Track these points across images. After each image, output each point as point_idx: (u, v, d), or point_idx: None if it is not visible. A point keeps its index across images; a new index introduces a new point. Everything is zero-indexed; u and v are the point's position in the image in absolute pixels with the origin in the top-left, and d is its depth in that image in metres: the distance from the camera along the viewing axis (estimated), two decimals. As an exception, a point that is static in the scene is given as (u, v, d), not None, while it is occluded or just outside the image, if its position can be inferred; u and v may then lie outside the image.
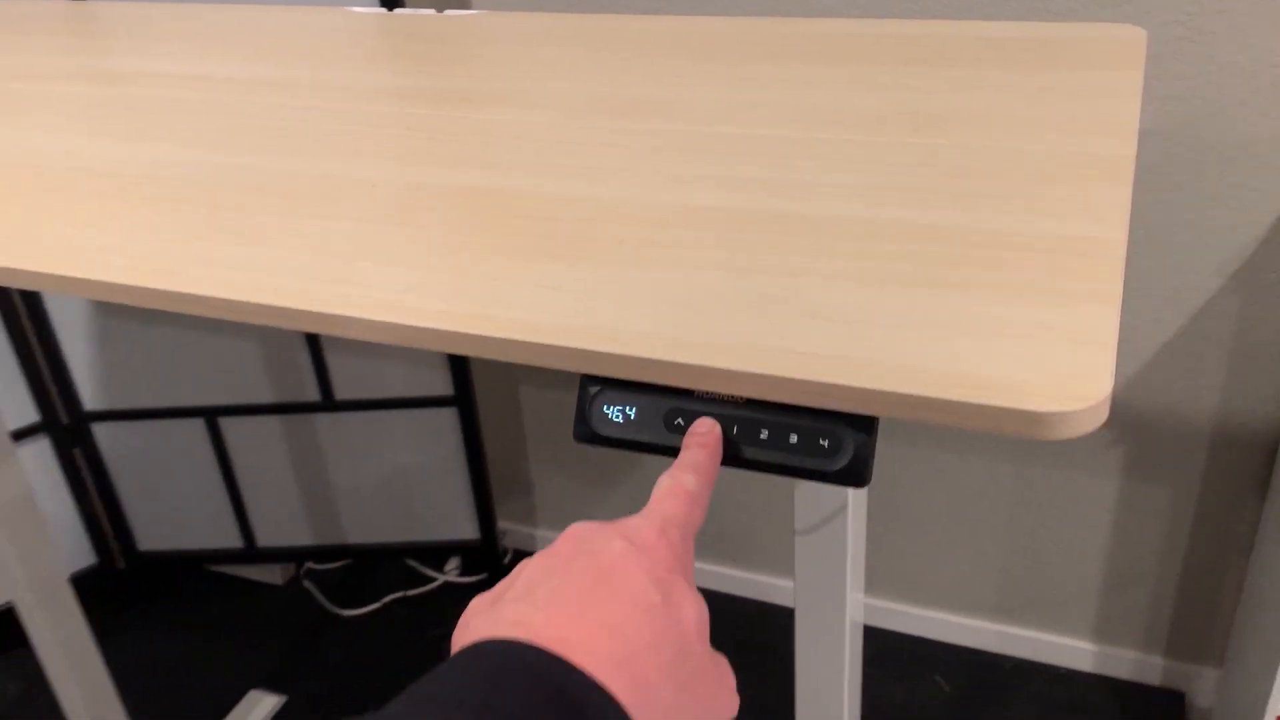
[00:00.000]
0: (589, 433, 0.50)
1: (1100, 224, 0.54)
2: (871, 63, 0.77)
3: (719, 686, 0.44)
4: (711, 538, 1.88)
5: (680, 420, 0.48)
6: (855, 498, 0.66)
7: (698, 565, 1.89)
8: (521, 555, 2.03)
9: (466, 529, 1.90)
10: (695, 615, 0.43)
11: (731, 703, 0.45)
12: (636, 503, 1.28)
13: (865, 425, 0.46)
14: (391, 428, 1.81)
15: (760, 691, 1.69)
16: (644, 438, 0.49)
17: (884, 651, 1.77)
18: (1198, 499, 1.51)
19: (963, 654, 1.77)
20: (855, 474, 0.46)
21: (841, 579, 0.66)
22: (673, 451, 0.49)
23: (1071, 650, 1.71)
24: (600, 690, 0.37)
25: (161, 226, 0.62)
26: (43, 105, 0.85)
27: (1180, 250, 1.35)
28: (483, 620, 0.40)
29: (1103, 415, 0.43)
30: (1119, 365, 1.45)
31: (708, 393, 0.48)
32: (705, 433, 0.48)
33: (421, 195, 0.63)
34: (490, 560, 1.95)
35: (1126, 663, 1.68)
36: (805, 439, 0.46)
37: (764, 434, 0.47)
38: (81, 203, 0.67)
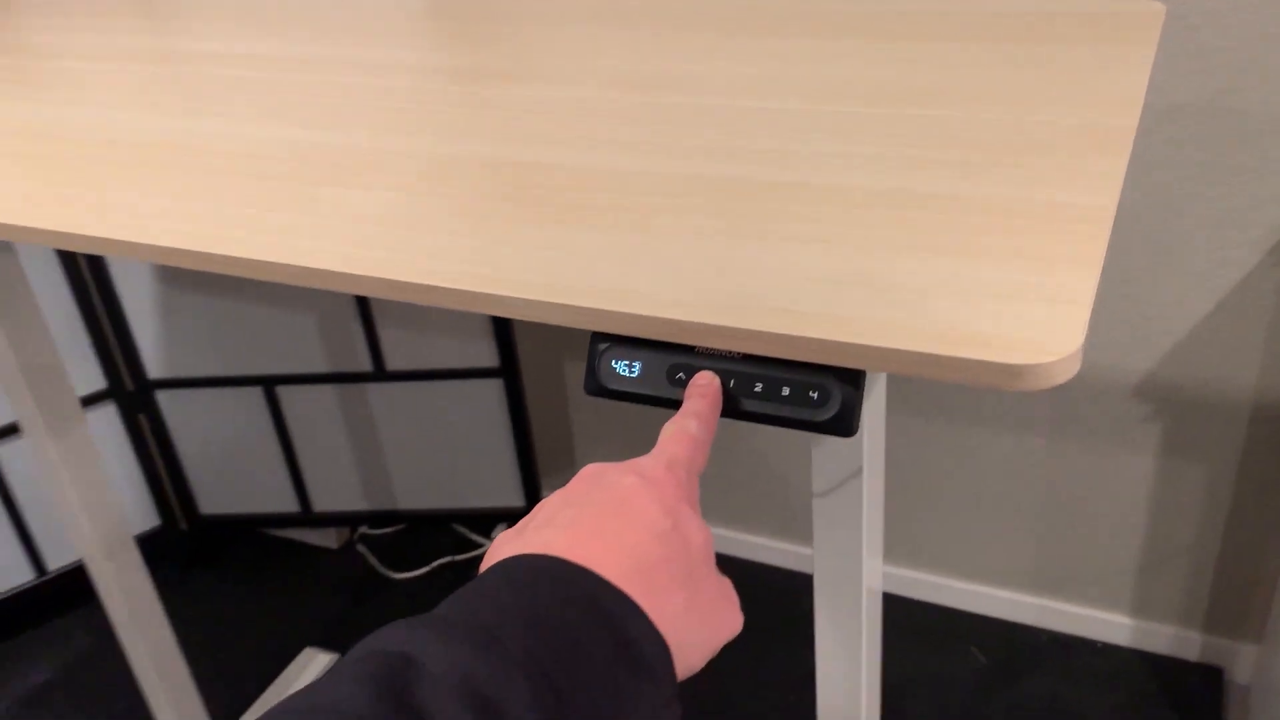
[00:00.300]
0: (598, 386, 0.53)
1: (1091, 192, 0.56)
2: (886, 38, 0.79)
3: (725, 602, 0.48)
4: (744, 507, 1.91)
5: (682, 375, 0.52)
6: (870, 461, 0.69)
7: (739, 535, 1.93)
8: (567, 523, 2.07)
9: (512, 496, 1.95)
10: (701, 539, 0.47)
11: (736, 618, 0.48)
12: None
13: (852, 379, 0.49)
14: (440, 397, 1.86)
15: (787, 659, 1.73)
16: (649, 391, 0.52)
17: (919, 624, 1.79)
18: (1237, 474, 1.51)
19: (999, 627, 1.78)
20: (843, 423, 0.49)
21: (858, 540, 0.69)
22: (675, 404, 0.52)
23: (1109, 624, 1.72)
24: (621, 594, 0.41)
25: (212, 195, 0.67)
26: (108, 83, 0.91)
27: (1218, 224, 1.35)
28: (510, 546, 0.45)
29: (1073, 369, 0.46)
30: (1155, 340, 1.46)
31: (707, 349, 0.51)
32: (705, 384, 0.51)
33: (452, 167, 0.67)
34: (536, 527, 2.00)
35: (1165, 637, 1.68)
36: (796, 391, 0.50)
37: (758, 387, 0.51)
38: (141, 173, 0.72)
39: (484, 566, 0.45)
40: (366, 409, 1.90)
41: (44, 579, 1.91)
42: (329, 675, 0.38)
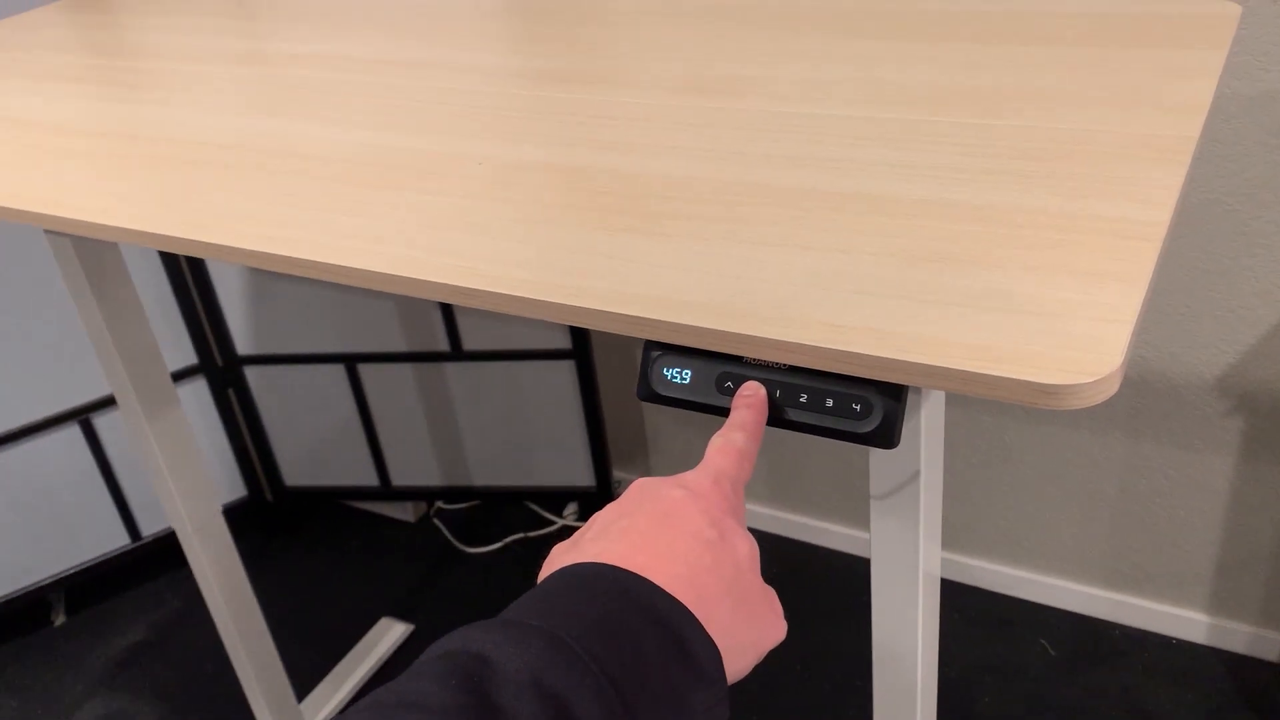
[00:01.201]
0: (649, 392, 0.55)
1: (1146, 206, 0.57)
2: (953, 39, 0.79)
3: (769, 611, 0.50)
4: (807, 491, 1.92)
5: (730, 383, 0.54)
6: (929, 463, 0.69)
7: (807, 520, 1.94)
8: (638, 503, 2.10)
9: (584, 476, 1.98)
10: (747, 549, 0.49)
11: (780, 626, 0.51)
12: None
13: (894, 392, 0.51)
14: (515, 378, 1.90)
15: (850, 642, 1.74)
16: (698, 398, 0.54)
17: (990, 614, 1.78)
18: (1320, 473, 1.48)
19: (1071, 619, 1.76)
20: (884, 436, 0.51)
21: (914, 541, 0.69)
22: (723, 411, 0.54)
23: (1185, 620, 1.69)
24: (675, 600, 0.44)
25: (293, 198, 0.70)
26: (198, 84, 0.95)
27: (1304, 219, 1.32)
28: (566, 557, 0.48)
29: (1110, 389, 0.47)
30: (1239, 334, 1.43)
31: (755, 359, 0.53)
32: (752, 395, 0.53)
33: (518, 172, 0.69)
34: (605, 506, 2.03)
35: (1243, 636, 1.66)
36: (840, 403, 0.51)
37: (803, 398, 0.52)
38: (226, 176, 0.76)
39: (542, 575, 0.47)
40: (444, 387, 1.95)
41: (138, 544, 2.00)
42: (410, 673, 0.41)
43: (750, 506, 1.94)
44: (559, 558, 0.48)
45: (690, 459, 2.01)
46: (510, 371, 1.90)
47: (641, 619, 0.43)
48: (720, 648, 0.44)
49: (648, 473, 2.09)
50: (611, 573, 0.45)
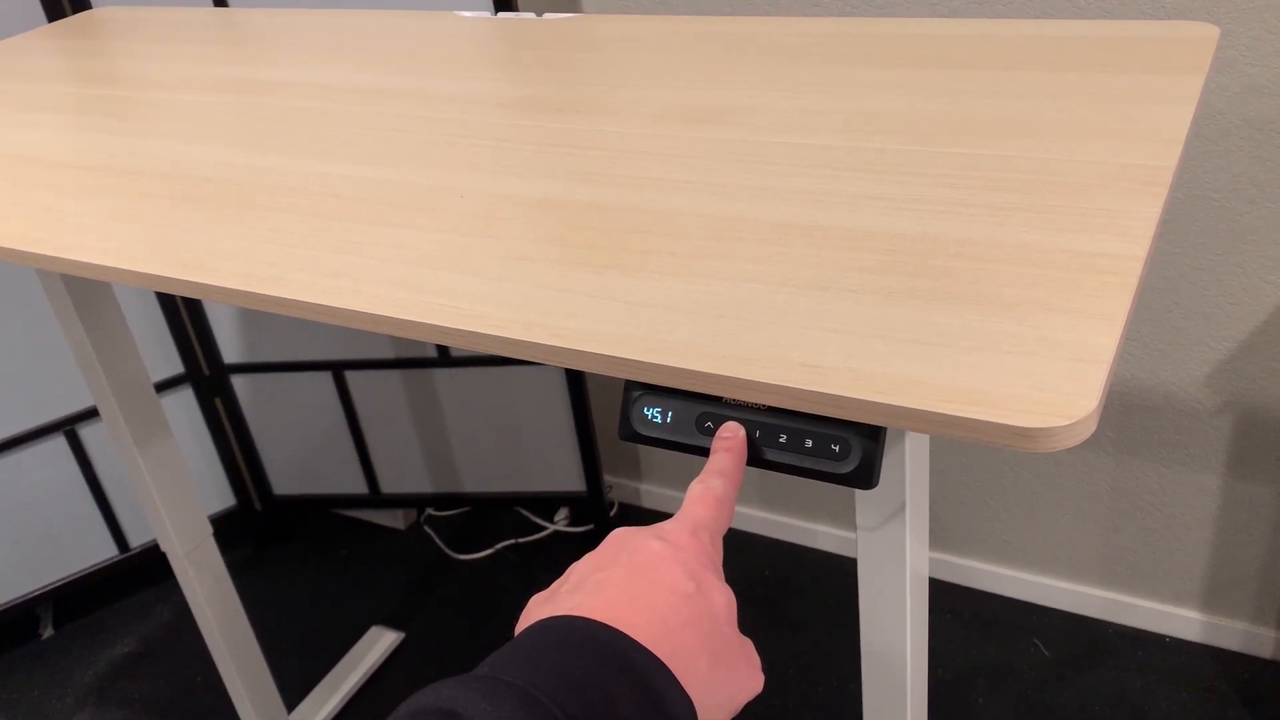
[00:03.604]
0: (630, 431, 0.56)
1: (1124, 240, 0.57)
2: (934, 66, 0.80)
3: (746, 664, 0.50)
4: (796, 493, 1.93)
5: (710, 423, 0.54)
6: (914, 499, 0.69)
7: (797, 522, 1.95)
8: (627, 508, 2.11)
9: (574, 482, 1.98)
10: (725, 602, 0.49)
11: (757, 679, 0.51)
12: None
13: (873, 433, 0.51)
14: (504, 383, 1.90)
15: (834, 643, 1.74)
16: (678, 438, 0.55)
17: (983, 614, 1.79)
18: (1307, 474, 1.49)
19: (1064, 618, 1.77)
20: (863, 477, 0.51)
21: (902, 571, 0.69)
22: (703, 451, 0.54)
23: (1179, 619, 1.70)
24: (650, 654, 0.44)
25: (279, 235, 0.70)
26: (185, 114, 0.95)
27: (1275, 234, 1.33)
28: (543, 609, 0.48)
29: (1088, 431, 0.47)
30: (1226, 332, 1.44)
31: (734, 399, 0.53)
32: (731, 437, 0.53)
33: (503, 207, 0.69)
34: (597, 512, 2.04)
35: (1237, 634, 1.66)
36: (819, 444, 0.52)
37: (783, 438, 0.52)
38: (207, 210, 0.76)
39: (519, 628, 0.48)
40: (432, 394, 1.95)
41: (126, 555, 2.00)
42: None
43: (740, 509, 1.95)
44: (536, 610, 0.48)
45: (678, 467, 2.01)
46: (499, 377, 1.90)
47: (617, 674, 0.43)
48: (696, 703, 0.44)
49: (638, 478, 2.09)
50: (587, 626, 0.45)
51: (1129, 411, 1.56)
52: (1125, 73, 0.74)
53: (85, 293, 1.20)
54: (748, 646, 0.50)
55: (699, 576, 0.48)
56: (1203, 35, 0.78)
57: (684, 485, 2.03)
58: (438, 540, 2.10)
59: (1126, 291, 0.53)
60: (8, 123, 0.99)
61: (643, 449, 2.04)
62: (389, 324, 0.59)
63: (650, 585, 0.47)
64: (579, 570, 0.50)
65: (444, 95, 0.90)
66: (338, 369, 1.94)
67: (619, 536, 0.51)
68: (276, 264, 0.67)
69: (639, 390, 0.55)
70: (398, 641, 1.88)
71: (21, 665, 1.94)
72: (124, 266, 0.71)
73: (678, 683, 0.44)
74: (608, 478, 2.11)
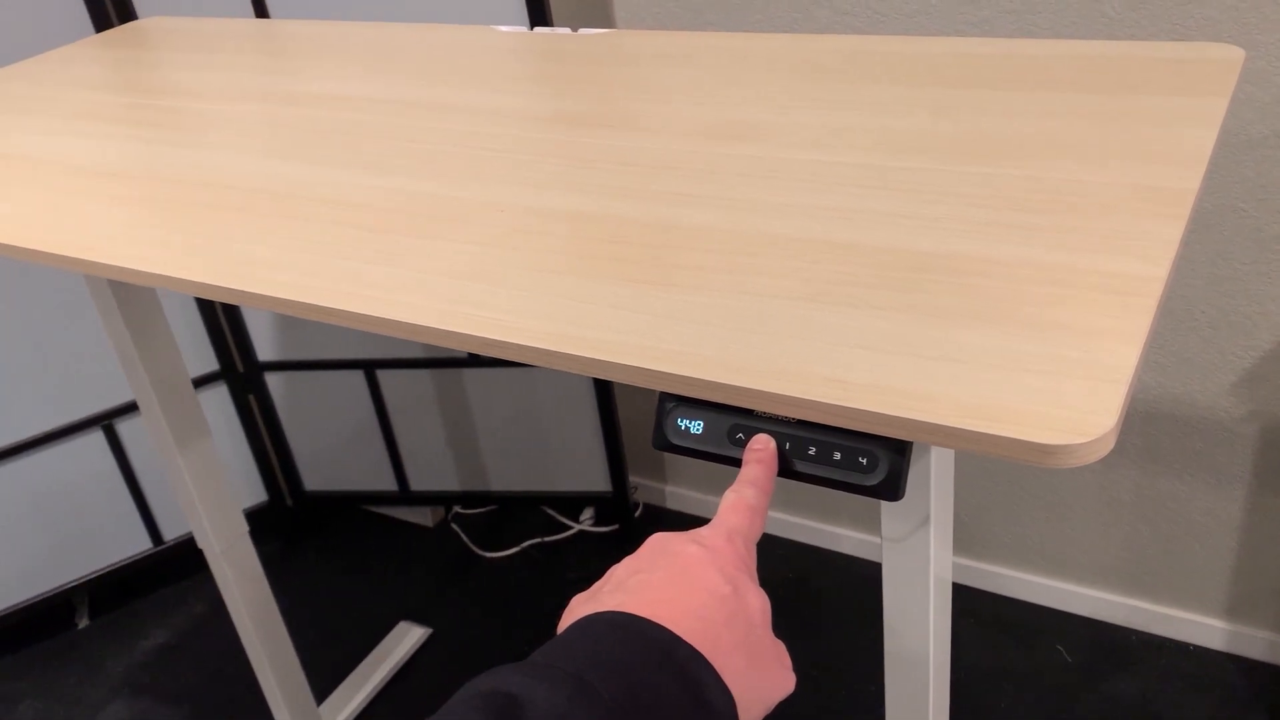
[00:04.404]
0: (664, 441, 0.58)
1: (1145, 262, 0.58)
2: (960, 85, 0.81)
3: (780, 664, 0.52)
4: (824, 497, 1.94)
5: (741, 435, 0.56)
6: (939, 511, 0.70)
7: (820, 525, 1.96)
8: (652, 509, 2.13)
9: (600, 482, 2.01)
10: (760, 604, 0.51)
11: (789, 679, 0.53)
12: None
13: (899, 447, 0.53)
14: (532, 385, 1.93)
15: (856, 645, 1.76)
16: (710, 449, 0.57)
17: (1005, 619, 1.80)
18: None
19: (1087, 625, 1.77)
20: (889, 489, 0.53)
21: (925, 583, 0.71)
22: (735, 462, 0.56)
23: (1202, 626, 1.70)
24: (693, 649, 0.46)
25: (317, 246, 0.73)
26: (229, 126, 0.98)
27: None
28: (585, 607, 0.50)
29: (1106, 448, 0.49)
30: (1252, 341, 1.44)
31: (765, 412, 0.55)
32: (762, 449, 0.55)
33: (538, 220, 0.72)
34: (622, 512, 2.06)
35: (1260, 642, 1.66)
36: (846, 457, 0.53)
37: (812, 450, 0.54)
38: (250, 219, 0.79)
39: (562, 625, 0.50)
40: (461, 394, 1.98)
41: (160, 548, 2.04)
42: (446, 710, 0.43)
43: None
44: (579, 608, 0.50)
45: (702, 470, 2.03)
46: (527, 378, 1.92)
47: (661, 666, 0.45)
48: (734, 697, 0.47)
49: (662, 479, 2.11)
50: (632, 621, 0.47)
51: (1154, 419, 1.56)
52: (1149, 94, 0.75)
53: (130, 296, 1.23)
54: (780, 648, 0.53)
55: (735, 580, 0.50)
56: (1227, 57, 0.79)
57: (708, 488, 2.05)
58: (465, 538, 2.13)
59: (1147, 312, 0.55)
60: (59, 131, 1.02)
61: (668, 450, 2.06)
62: (430, 334, 0.61)
63: (689, 586, 0.49)
64: (619, 572, 0.52)
65: (480, 109, 0.92)
66: (369, 367, 1.97)
67: (657, 541, 0.53)
68: (319, 274, 0.69)
69: (673, 402, 0.57)
70: (425, 637, 1.90)
71: (58, 654, 1.98)
72: (172, 274, 0.74)
73: (719, 677, 0.46)
74: (633, 478, 2.13)
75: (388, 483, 2.11)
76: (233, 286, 0.69)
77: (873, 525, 1.93)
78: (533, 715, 0.42)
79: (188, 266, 0.74)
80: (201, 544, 1.44)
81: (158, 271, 0.74)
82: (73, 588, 1.98)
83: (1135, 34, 1.32)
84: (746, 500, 0.55)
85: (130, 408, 1.91)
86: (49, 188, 0.91)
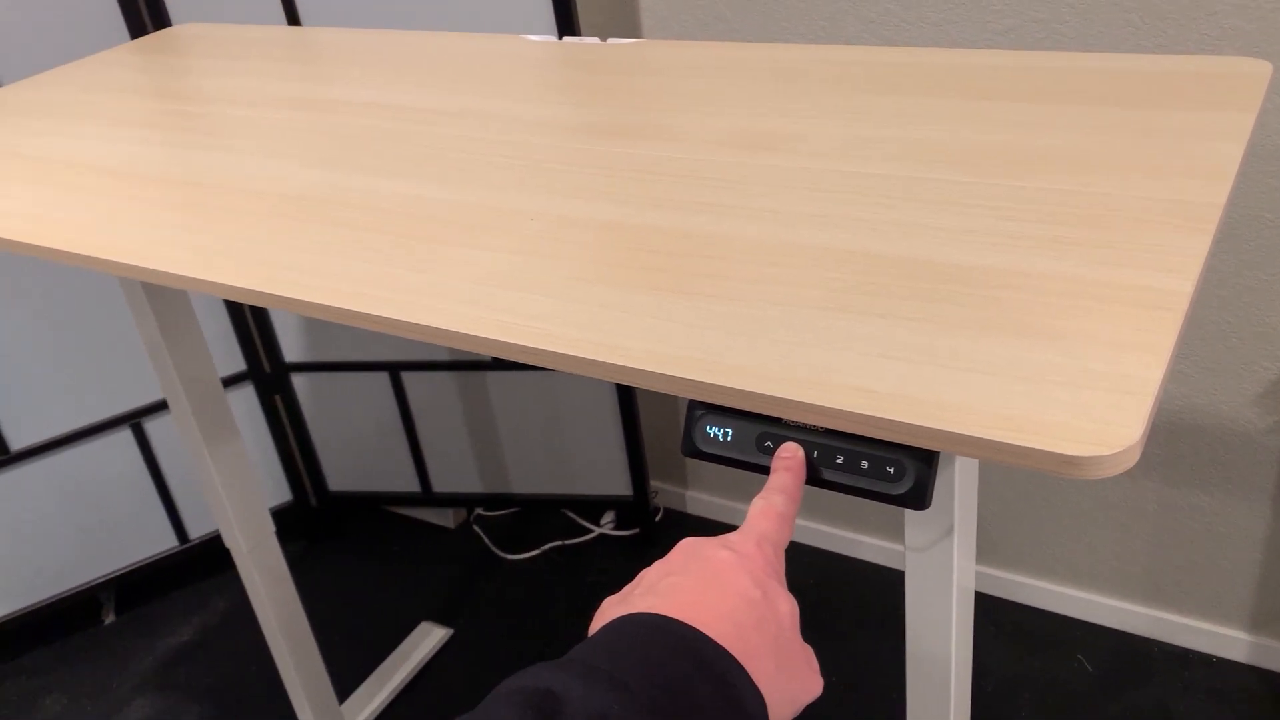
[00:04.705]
0: (693, 448, 0.59)
1: (1171, 276, 0.59)
2: (988, 97, 0.82)
3: (808, 668, 0.53)
4: (847, 505, 1.94)
5: (770, 443, 0.57)
6: (963, 521, 0.71)
7: (842, 532, 1.96)
8: (672, 513, 2.13)
9: (621, 486, 2.02)
10: (789, 609, 0.52)
11: (817, 683, 0.54)
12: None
13: (926, 456, 0.53)
14: (554, 388, 1.94)
15: (878, 652, 1.76)
16: (739, 456, 0.57)
17: (1027, 628, 1.80)
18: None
19: (1109, 635, 1.76)
20: (916, 498, 0.54)
21: (948, 599, 0.72)
22: (763, 470, 0.57)
23: (1224, 638, 1.69)
24: (725, 651, 0.47)
25: (353, 252, 0.74)
26: (261, 131, 0.99)
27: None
28: (617, 609, 0.51)
29: (1131, 460, 0.49)
30: (1277, 351, 1.43)
31: (794, 421, 0.56)
32: (790, 457, 0.56)
33: (568, 229, 0.73)
34: (642, 516, 2.07)
35: (1284, 655, 1.66)
36: (874, 466, 0.54)
37: (839, 459, 0.55)
38: (285, 224, 0.80)
39: (594, 627, 0.51)
40: (484, 396, 1.99)
41: (186, 546, 2.06)
42: (486, 705, 0.45)
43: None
44: (610, 610, 0.51)
45: (723, 475, 2.03)
46: (550, 381, 1.93)
47: (694, 666, 0.46)
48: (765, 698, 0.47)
49: (683, 484, 2.12)
50: (665, 623, 0.48)
51: (1178, 430, 1.56)
52: (1177, 109, 0.76)
53: (163, 297, 1.25)
54: (809, 652, 0.53)
55: (765, 584, 0.51)
56: (1255, 72, 0.79)
57: (729, 493, 2.05)
58: (486, 540, 2.14)
59: (1172, 326, 0.55)
60: (97, 136, 1.04)
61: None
62: (466, 340, 0.62)
63: (720, 590, 0.50)
64: (650, 576, 0.53)
65: (510, 117, 0.93)
66: (394, 370, 1.99)
67: (688, 546, 0.54)
68: (357, 280, 0.70)
69: (702, 409, 0.58)
70: (446, 637, 1.92)
71: (84, 649, 2.00)
72: (208, 278, 0.75)
73: (750, 679, 0.47)
74: (654, 483, 2.14)
75: (411, 484, 2.13)
76: (270, 291, 0.70)
77: (893, 532, 1.93)
78: (571, 711, 0.43)
79: (224, 271, 0.75)
80: (229, 543, 1.46)
81: (194, 275, 0.75)
82: (99, 584, 2.00)
83: (1161, 43, 1.32)
84: (775, 507, 0.55)
85: (157, 407, 1.94)
86: (84, 191, 0.93)
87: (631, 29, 1.69)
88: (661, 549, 0.54)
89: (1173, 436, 1.57)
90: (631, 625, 0.48)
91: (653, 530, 2.08)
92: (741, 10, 1.58)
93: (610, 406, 1.92)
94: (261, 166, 0.91)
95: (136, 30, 1.69)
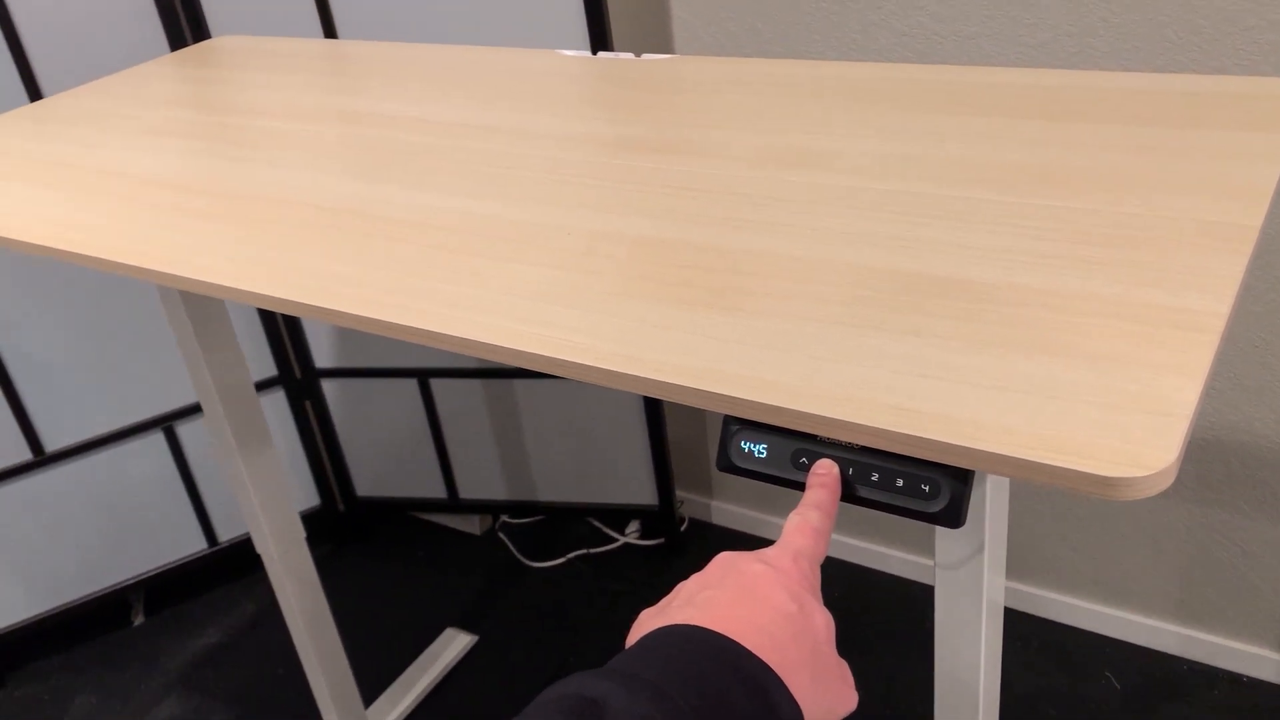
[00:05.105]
0: (728, 463, 0.59)
1: (1206, 297, 0.59)
2: (1022, 116, 0.82)
3: (843, 682, 0.54)
4: (877, 520, 1.94)
5: (805, 459, 0.57)
6: (993, 540, 0.71)
7: (870, 546, 1.96)
8: (698, 523, 2.14)
9: (647, 495, 2.02)
10: (824, 623, 0.53)
11: (853, 696, 0.54)
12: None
13: (962, 475, 0.54)
14: (581, 397, 1.95)
15: (906, 666, 1.75)
16: (774, 472, 0.58)
17: (1055, 644, 1.79)
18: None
19: (1138, 653, 1.75)
20: (951, 516, 0.54)
21: (978, 607, 0.72)
22: (798, 486, 0.58)
23: (1255, 658, 1.67)
24: (763, 663, 0.48)
25: (390, 264, 0.75)
26: (295, 143, 1.01)
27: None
28: (655, 621, 0.52)
29: (1166, 481, 0.49)
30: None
31: (829, 438, 0.57)
32: (825, 473, 0.57)
33: (603, 244, 0.73)
34: (668, 525, 2.07)
35: (1316, 676, 1.65)
36: (910, 484, 0.55)
37: (875, 476, 0.56)
38: (323, 236, 0.81)
39: (631, 638, 0.51)
40: (512, 404, 2.00)
41: (215, 549, 2.08)
42: (530, 710, 0.45)
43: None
44: (648, 621, 0.52)
45: (749, 486, 2.04)
46: (577, 390, 1.94)
47: (733, 678, 0.47)
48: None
49: (709, 494, 2.12)
50: (704, 635, 0.49)
51: (1211, 448, 1.55)
52: (1213, 128, 0.76)
53: (200, 306, 1.27)
54: (844, 666, 0.54)
55: (800, 598, 0.52)
56: (1291, 90, 0.79)
57: (754, 505, 2.06)
58: (511, 547, 2.15)
59: (1208, 348, 0.55)
60: (137, 147, 1.06)
61: (714, 464, 2.07)
62: (505, 354, 0.63)
63: (756, 603, 0.51)
64: (688, 588, 0.54)
65: (545, 133, 0.94)
66: (423, 376, 2.00)
67: (725, 559, 0.54)
68: (395, 291, 0.71)
69: (737, 425, 0.59)
70: (471, 644, 1.93)
71: (114, 650, 2.03)
72: (248, 289, 0.76)
73: (788, 690, 0.47)
74: (680, 493, 2.14)
75: (437, 490, 2.14)
76: (310, 303, 0.71)
77: (920, 546, 1.92)
78: (613, 719, 0.43)
79: (264, 282, 0.76)
80: (259, 547, 1.47)
81: (234, 285, 0.77)
82: (129, 585, 2.03)
83: (1196, 58, 1.32)
84: (811, 523, 0.56)
85: (189, 411, 1.96)
86: (124, 200, 0.94)
87: (664, 42, 1.69)
88: (686, 559, 0.55)
89: (1204, 454, 1.56)
90: (670, 636, 0.49)
91: (678, 540, 2.08)
92: (774, 23, 1.58)
93: (637, 416, 1.93)
94: (299, 179, 0.92)
95: (176, 42, 1.72)
